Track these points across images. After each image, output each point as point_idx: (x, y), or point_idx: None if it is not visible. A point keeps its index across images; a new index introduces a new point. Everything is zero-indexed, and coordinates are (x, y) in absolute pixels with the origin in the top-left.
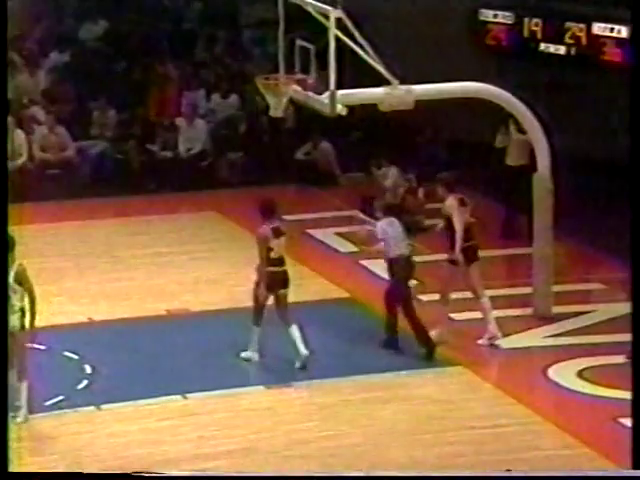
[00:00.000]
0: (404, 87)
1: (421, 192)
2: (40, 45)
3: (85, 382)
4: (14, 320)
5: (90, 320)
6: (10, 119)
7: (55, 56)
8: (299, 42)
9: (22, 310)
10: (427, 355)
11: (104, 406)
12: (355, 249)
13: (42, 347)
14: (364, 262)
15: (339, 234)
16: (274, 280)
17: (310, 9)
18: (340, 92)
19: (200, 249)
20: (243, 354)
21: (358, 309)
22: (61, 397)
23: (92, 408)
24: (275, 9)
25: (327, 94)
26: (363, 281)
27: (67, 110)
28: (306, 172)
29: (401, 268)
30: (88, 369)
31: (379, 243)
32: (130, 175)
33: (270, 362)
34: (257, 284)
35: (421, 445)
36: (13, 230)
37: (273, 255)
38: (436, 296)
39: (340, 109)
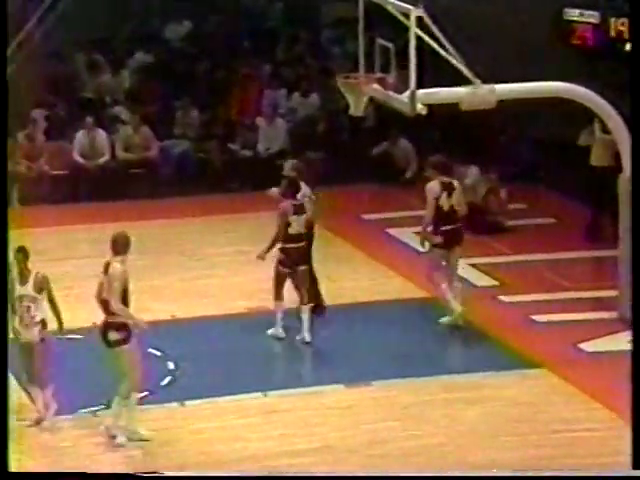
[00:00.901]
0: (486, 86)
1: (503, 192)
2: (125, 45)
3: (169, 378)
4: (34, 332)
5: (173, 317)
6: (89, 119)
7: (140, 56)
8: (379, 41)
9: (43, 321)
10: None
11: (187, 402)
12: None
13: None
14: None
15: (418, 233)
16: (291, 256)
17: (390, 8)
18: (420, 91)
19: None
20: (269, 331)
21: (439, 309)
22: (146, 393)
23: (176, 404)
24: (355, 8)
25: (407, 93)
26: None
27: (151, 110)
28: (385, 170)
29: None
30: (171, 365)
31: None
32: (212, 174)
33: (351, 360)
34: (279, 262)
35: (504, 447)
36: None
37: (291, 231)
38: (518, 297)
39: (420, 108)
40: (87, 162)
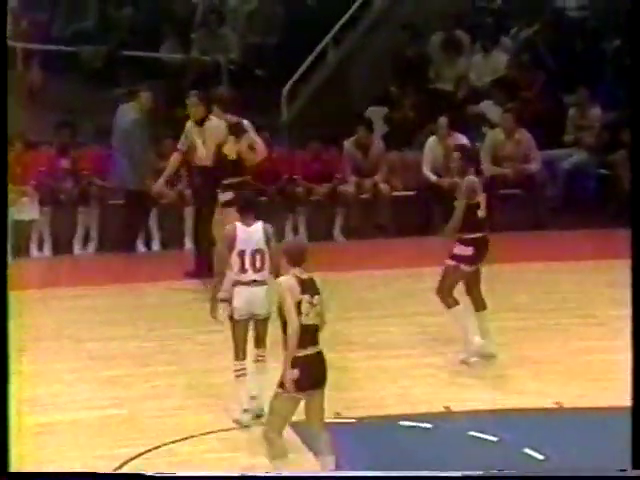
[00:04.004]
0: None
1: None
2: (498, 19)
3: None
4: None
5: (558, 405)
6: (444, 119)
7: (516, 33)
8: None
9: None
10: None
11: None
12: None
13: (493, 438)
14: None
15: None
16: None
17: None
18: None
19: None
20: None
21: None
22: None
23: None
24: None
25: None
26: None
27: (532, 107)
28: None
29: None
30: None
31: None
32: (617, 198)
33: None
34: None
35: None
36: None
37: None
38: None
39: None
40: (441, 180)
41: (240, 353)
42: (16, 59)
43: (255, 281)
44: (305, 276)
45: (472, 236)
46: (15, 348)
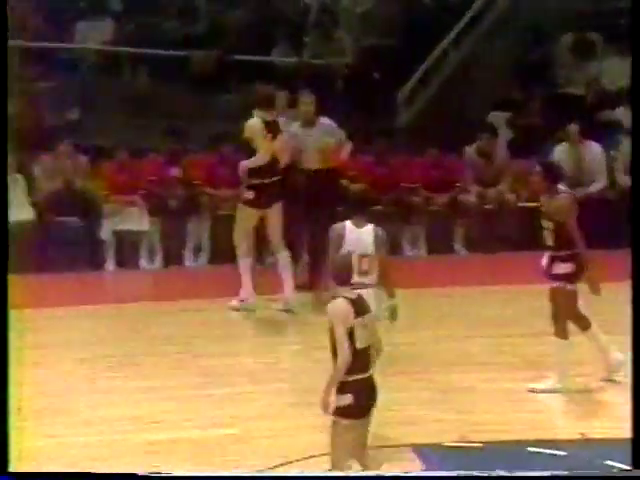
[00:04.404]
0: None
1: None
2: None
3: None
4: None
5: None
6: (573, 126)
7: None
8: None
9: None
10: None
11: None
12: None
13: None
14: None
15: None
16: None
17: None
18: None
19: None
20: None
21: None
22: None
23: None
24: None
25: None
26: None
27: None
28: None
29: None
30: None
31: None
32: None
33: None
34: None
35: None
36: None
37: None
38: None
39: None
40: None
41: None
42: (122, 64)
43: (361, 283)
44: (354, 296)
45: (569, 252)
46: (124, 362)
